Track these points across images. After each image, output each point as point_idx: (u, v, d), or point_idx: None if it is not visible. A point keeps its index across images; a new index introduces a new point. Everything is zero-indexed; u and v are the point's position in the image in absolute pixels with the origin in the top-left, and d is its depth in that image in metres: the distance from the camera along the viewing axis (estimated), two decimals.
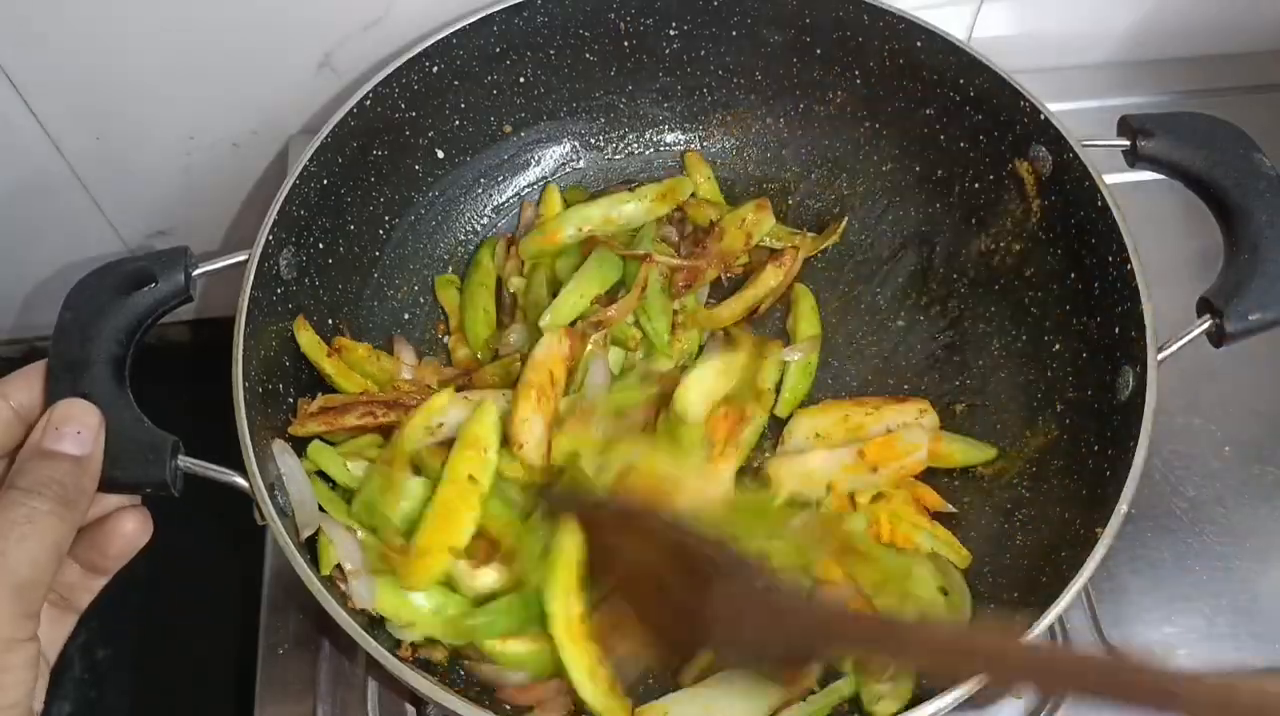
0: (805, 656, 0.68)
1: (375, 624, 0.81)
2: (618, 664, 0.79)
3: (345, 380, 0.92)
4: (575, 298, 0.97)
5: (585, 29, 1.01)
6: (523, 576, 0.82)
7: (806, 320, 1.03)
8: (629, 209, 1.05)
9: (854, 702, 0.83)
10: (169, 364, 1.36)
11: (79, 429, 0.70)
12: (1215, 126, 0.88)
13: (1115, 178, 0.87)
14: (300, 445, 0.86)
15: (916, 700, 0.73)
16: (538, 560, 0.80)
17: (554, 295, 0.97)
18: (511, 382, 0.92)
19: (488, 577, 0.83)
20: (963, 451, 0.94)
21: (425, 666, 0.79)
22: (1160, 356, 0.80)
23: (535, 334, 0.95)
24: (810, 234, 1.07)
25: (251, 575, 0.93)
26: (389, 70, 0.93)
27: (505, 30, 0.98)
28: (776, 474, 0.92)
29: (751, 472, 0.94)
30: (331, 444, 0.88)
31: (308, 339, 0.90)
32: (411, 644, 0.82)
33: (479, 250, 1.06)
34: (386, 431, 0.89)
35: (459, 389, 0.92)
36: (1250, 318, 0.81)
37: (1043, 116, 0.90)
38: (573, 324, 0.96)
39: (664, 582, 0.72)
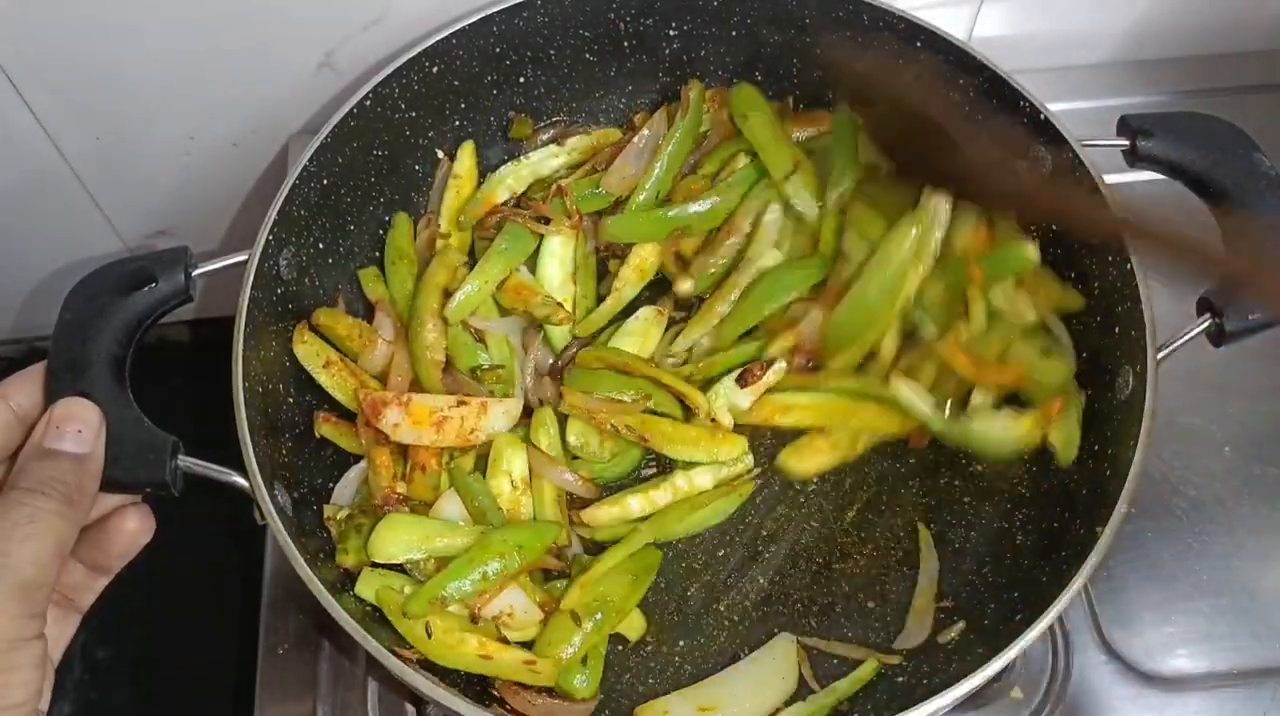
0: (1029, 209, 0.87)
1: (377, 622, 0.81)
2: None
3: (341, 391, 0.91)
4: (480, 283, 0.95)
5: (585, 29, 1.01)
6: None
7: None
8: (558, 163, 1.04)
9: (853, 701, 0.83)
10: (169, 364, 1.36)
11: (80, 427, 0.70)
12: (1215, 126, 0.88)
13: (1115, 178, 0.87)
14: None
15: (915, 700, 0.73)
16: None
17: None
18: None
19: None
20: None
21: (426, 667, 0.79)
22: (1160, 356, 0.81)
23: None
24: None
25: (251, 575, 0.93)
26: (389, 70, 0.93)
27: (505, 30, 0.98)
28: None
29: None
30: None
31: (306, 351, 0.90)
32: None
33: (391, 230, 1.01)
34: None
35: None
36: (1250, 317, 0.81)
37: (1043, 116, 0.90)
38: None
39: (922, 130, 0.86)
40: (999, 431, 0.87)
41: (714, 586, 0.90)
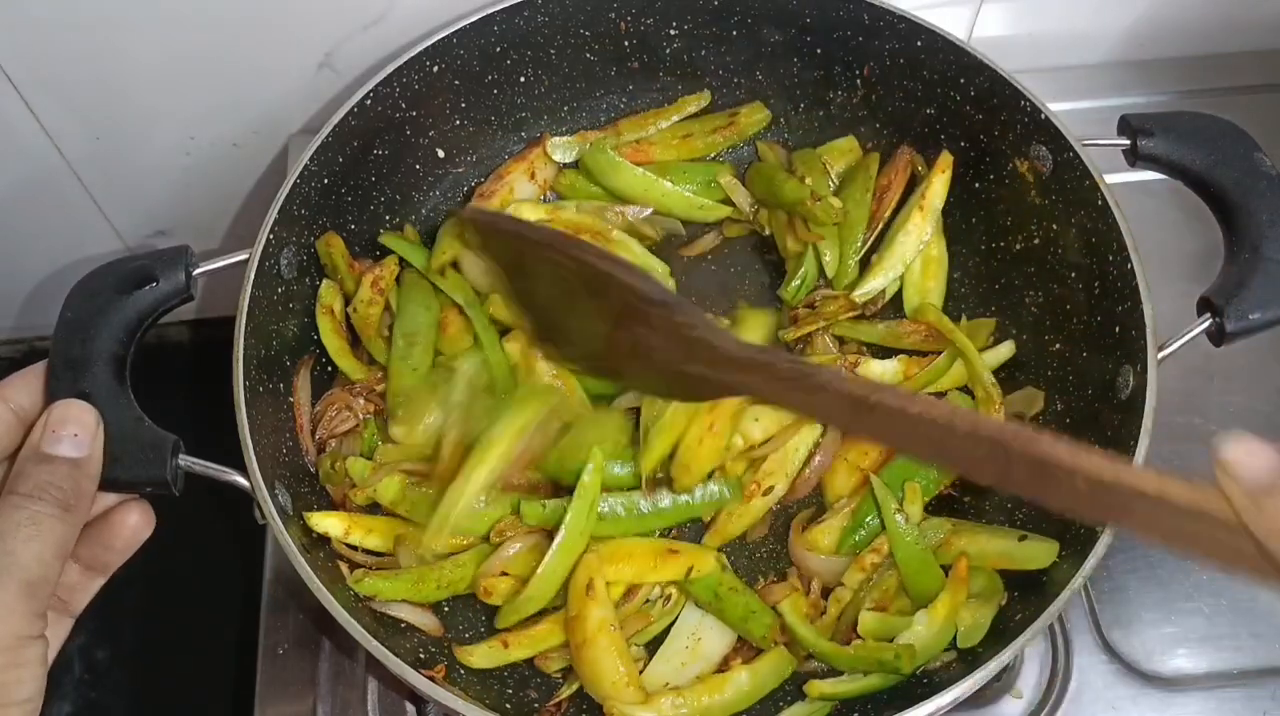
0: (718, 388, 0.68)
1: (379, 621, 0.81)
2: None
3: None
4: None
5: (585, 29, 1.01)
6: None
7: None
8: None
9: (853, 701, 0.83)
10: (169, 364, 1.36)
11: (76, 431, 0.70)
12: (1215, 126, 0.88)
13: (1115, 177, 0.87)
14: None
15: (915, 700, 0.73)
16: None
17: None
18: None
19: None
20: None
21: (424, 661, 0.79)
22: (1160, 355, 0.80)
23: None
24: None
25: (251, 575, 0.93)
26: (389, 70, 0.93)
27: (505, 30, 0.98)
28: None
29: None
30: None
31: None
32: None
33: None
34: None
35: None
36: (1250, 317, 0.81)
37: (1043, 116, 0.90)
38: None
39: (580, 308, 0.72)
40: (929, 635, 0.82)
41: None
